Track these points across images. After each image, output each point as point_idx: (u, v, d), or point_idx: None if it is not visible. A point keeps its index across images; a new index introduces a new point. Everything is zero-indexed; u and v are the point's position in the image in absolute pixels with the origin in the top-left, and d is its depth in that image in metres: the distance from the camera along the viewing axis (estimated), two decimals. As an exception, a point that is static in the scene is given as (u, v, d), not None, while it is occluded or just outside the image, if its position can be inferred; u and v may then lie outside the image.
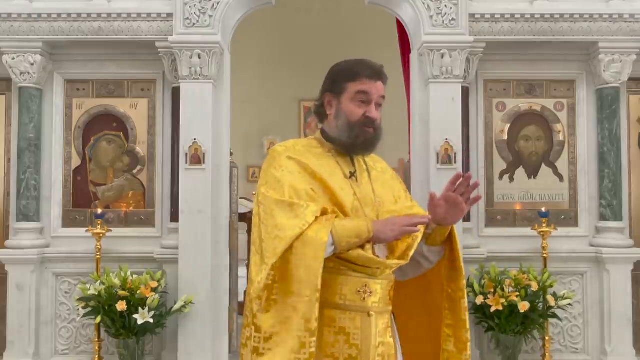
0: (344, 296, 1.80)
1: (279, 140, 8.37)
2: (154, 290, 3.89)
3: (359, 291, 1.80)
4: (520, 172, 4.40)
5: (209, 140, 4.09)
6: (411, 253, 1.81)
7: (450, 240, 1.94)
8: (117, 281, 3.89)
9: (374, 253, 1.81)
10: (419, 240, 1.83)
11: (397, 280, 1.94)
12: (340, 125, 1.89)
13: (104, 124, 4.38)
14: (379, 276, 1.82)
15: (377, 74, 1.89)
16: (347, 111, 1.87)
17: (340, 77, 1.90)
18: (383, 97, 1.91)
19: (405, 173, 4.78)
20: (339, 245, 1.74)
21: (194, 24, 4.09)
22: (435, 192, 1.86)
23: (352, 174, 1.91)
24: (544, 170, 4.40)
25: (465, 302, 1.92)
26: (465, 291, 1.95)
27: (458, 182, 1.82)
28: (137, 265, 4.13)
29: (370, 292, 1.81)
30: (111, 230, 4.13)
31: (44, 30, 4.14)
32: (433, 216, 1.84)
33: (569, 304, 4.07)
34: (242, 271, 5.17)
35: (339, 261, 1.79)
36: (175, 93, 4.22)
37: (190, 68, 4.06)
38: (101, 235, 4.05)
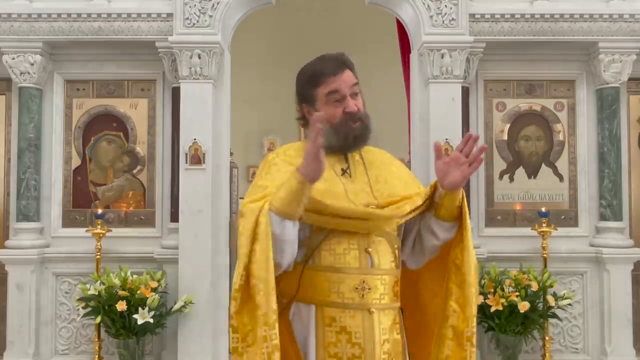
0: (342, 294, 1.76)
1: (279, 140, 8.37)
2: (154, 290, 3.89)
3: (357, 288, 1.76)
4: (520, 172, 4.40)
5: (209, 140, 4.09)
6: (406, 208, 1.78)
7: (461, 217, 1.87)
8: (117, 281, 3.89)
9: (372, 262, 1.78)
10: (417, 202, 1.82)
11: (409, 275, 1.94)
12: (325, 131, 1.81)
13: (104, 124, 4.38)
14: (376, 270, 1.77)
15: (338, 66, 1.83)
16: (326, 116, 1.80)
17: (307, 86, 1.87)
18: (356, 83, 1.85)
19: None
20: (283, 211, 1.64)
21: (194, 24, 4.09)
22: (440, 143, 1.84)
23: (344, 171, 1.87)
24: (544, 170, 4.40)
25: (472, 278, 1.84)
26: (474, 271, 1.86)
27: (466, 143, 1.78)
28: (137, 265, 4.13)
29: (369, 288, 1.76)
30: (111, 230, 4.13)
31: (44, 30, 4.14)
32: (436, 170, 1.81)
33: (569, 304, 4.07)
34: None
35: (335, 258, 1.76)
36: (175, 93, 4.22)
37: (190, 68, 4.06)
38: (101, 235, 4.05)
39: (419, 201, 1.84)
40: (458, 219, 1.87)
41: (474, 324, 1.83)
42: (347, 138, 1.84)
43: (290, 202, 1.64)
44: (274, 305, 1.62)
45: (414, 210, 1.83)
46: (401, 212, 1.78)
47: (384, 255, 1.81)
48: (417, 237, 1.94)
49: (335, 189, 1.80)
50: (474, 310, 1.83)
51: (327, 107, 1.83)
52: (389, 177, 1.93)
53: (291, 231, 1.68)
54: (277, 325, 1.62)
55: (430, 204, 1.89)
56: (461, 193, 1.85)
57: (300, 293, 1.80)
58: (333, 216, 1.74)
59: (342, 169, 1.87)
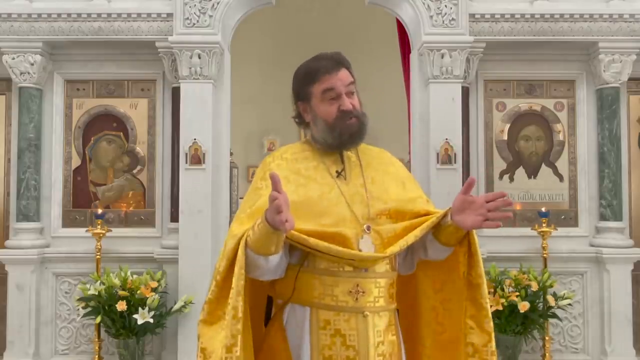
0: (336, 297, 1.76)
1: (279, 140, 8.36)
2: (154, 290, 3.89)
3: (350, 291, 1.76)
4: (520, 172, 4.40)
5: (209, 140, 4.09)
6: (395, 249, 1.76)
7: (465, 240, 1.87)
8: (117, 281, 3.90)
9: (357, 248, 1.75)
10: (410, 240, 1.77)
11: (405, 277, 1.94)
12: (321, 128, 1.85)
13: (104, 124, 4.38)
14: (370, 274, 1.78)
15: (334, 65, 1.83)
16: (321, 114, 1.83)
17: (302, 83, 1.87)
18: (352, 82, 1.84)
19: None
20: (257, 251, 1.65)
21: (194, 24, 4.09)
22: (474, 179, 1.81)
23: (339, 173, 1.86)
24: (544, 170, 4.40)
25: (485, 289, 1.87)
26: (484, 278, 1.89)
27: (495, 199, 1.76)
28: (137, 265, 4.13)
29: (363, 292, 1.76)
30: (111, 230, 4.13)
31: (44, 30, 4.14)
32: (455, 200, 1.79)
33: (569, 304, 4.07)
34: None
35: (329, 263, 1.76)
36: (175, 93, 4.22)
37: (190, 68, 4.06)
38: (101, 235, 4.05)
39: (417, 232, 1.79)
40: (456, 245, 1.86)
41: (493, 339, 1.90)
42: (342, 135, 1.82)
43: (263, 245, 1.63)
44: (235, 330, 1.64)
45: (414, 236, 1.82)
46: (390, 253, 1.76)
47: (380, 261, 1.80)
48: (410, 247, 1.89)
49: (330, 193, 1.80)
50: (491, 324, 1.90)
51: (323, 104, 1.83)
52: (385, 178, 1.91)
53: (270, 263, 1.69)
54: (235, 350, 1.63)
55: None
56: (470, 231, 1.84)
57: (295, 295, 1.80)
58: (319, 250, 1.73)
59: (337, 171, 1.86)
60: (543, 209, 4.16)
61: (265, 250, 1.64)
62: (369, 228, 1.78)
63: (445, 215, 1.82)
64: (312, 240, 1.70)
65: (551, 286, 4.00)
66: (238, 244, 1.67)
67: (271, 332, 1.84)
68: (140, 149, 4.38)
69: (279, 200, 1.51)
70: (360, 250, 1.75)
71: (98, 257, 4.07)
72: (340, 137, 1.83)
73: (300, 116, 1.92)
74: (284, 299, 1.83)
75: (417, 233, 1.79)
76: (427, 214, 1.86)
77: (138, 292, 3.84)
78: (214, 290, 1.74)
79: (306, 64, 1.89)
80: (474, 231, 1.85)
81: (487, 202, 1.74)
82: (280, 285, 1.83)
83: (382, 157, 1.99)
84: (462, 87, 4.18)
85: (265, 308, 1.93)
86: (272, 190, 1.54)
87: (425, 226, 1.80)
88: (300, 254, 1.79)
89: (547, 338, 4.10)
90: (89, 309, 3.93)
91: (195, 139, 4.07)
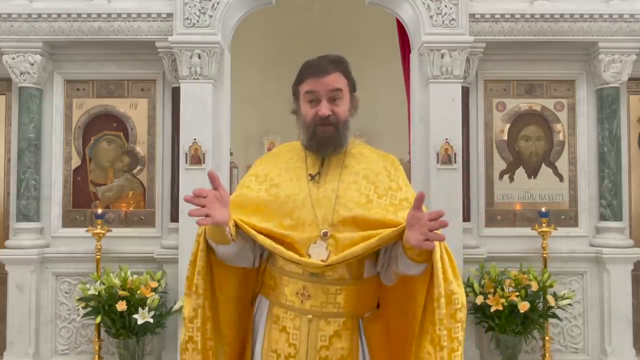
0: (286, 296, 1.84)
1: (279, 140, 8.36)
2: (154, 290, 3.89)
3: (297, 293, 1.82)
4: (520, 172, 4.40)
5: (209, 140, 4.09)
6: (337, 259, 1.73)
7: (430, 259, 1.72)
8: (117, 281, 3.89)
9: (307, 253, 1.77)
10: (357, 252, 1.72)
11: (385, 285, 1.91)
12: (301, 127, 1.90)
13: (104, 124, 4.39)
14: (319, 279, 1.79)
15: (323, 69, 1.83)
16: (303, 113, 1.88)
17: (295, 81, 1.91)
18: (338, 89, 1.84)
19: (405, 173, 4.78)
20: (212, 240, 1.82)
21: (194, 24, 4.09)
22: (424, 194, 1.68)
23: (313, 177, 1.88)
24: (544, 170, 4.40)
25: (440, 317, 1.69)
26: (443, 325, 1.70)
27: (436, 216, 1.62)
28: (137, 265, 4.13)
29: (309, 296, 1.81)
30: (111, 230, 4.13)
31: (44, 30, 4.14)
32: (407, 217, 1.68)
33: (569, 304, 4.06)
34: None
35: (284, 262, 1.83)
36: (175, 93, 4.22)
37: (190, 68, 4.06)
38: (101, 235, 4.05)
39: (368, 244, 1.73)
40: (426, 262, 1.74)
41: None
42: (312, 139, 1.86)
43: (213, 236, 1.79)
44: (196, 304, 1.85)
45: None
46: (329, 262, 1.74)
47: (332, 268, 1.78)
48: (389, 258, 1.88)
49: (297, 195, 1.85)
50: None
51: (305, 105, 1.88)
52: (365, 185, 1.86)
53: (228, 250, 1.83)
54: (195, 321, 1.84)
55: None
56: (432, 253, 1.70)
57: (262, 288, 1.94)
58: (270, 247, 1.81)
59: (310, 175, 1.89)
60: (543, 209, 4.16)
61: (218, 239, 1.78)
62: (325, 234, 1.79)
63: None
64: (260, 237, 1.80)
65: (551, 286, 4.00)
66: (204, 231, 1.84)
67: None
68: (140, 149, 4.38)
69: (204, 200, 1.65)
70: (309, 255, 1.77)
71: (98, 257, 4.07)
72: (311, 140, 1.87)
73: (296, 111, 1.95)
74: (257, 289, 1.97)
75: (367, 245, 1.73)
76: (395, 224, 1.76)
77: (138, 292, 3.84)
78: (189, 269, 1.87)
79: (306, 61, 1.91)
80: (439, 249, 1.70)
81: (430, 220, 1.62)
82: (257, 276, 1.97)
83: (374, 166, 1.93)
84: (462, 87, 4.18)
85: None
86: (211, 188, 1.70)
87: (378, 238, 1.73)
88: (268, 252, 1.88)
89: (547, 338, 4.10)
90: (89, 309, 3.92)
91: (195, 139, 4.07)
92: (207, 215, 1.64)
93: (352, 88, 1.90)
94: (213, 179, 1.70)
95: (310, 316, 1.81)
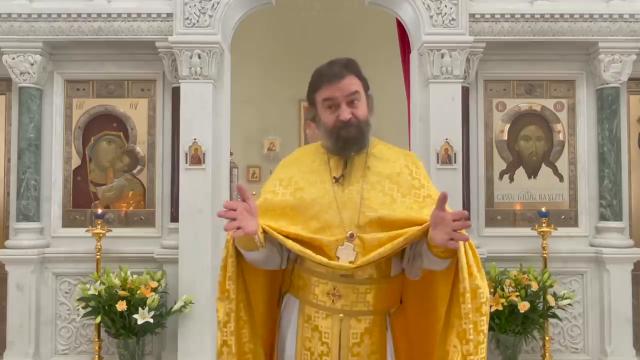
0: (316, 296, 1.89)
1: (279, 140, 8.36)
2: (154, 290, 3.89)
3: (328, 293, 1.87)
4: (520, 172, 4.40)
5: (209, 140, 4.09)
6: (365, 261, 1.77)
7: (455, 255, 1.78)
8: (117, 281, 3.89)
9: (335, 255, 1.81)
10: (385, 252, 1.77)
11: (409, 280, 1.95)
12: (323, 133, 1.93)
13: (104, 124, 4.38)
14: (349, 279, 1.84)
15: (338, 74, 1.86)
16: (323, 119, 1.91)
17: (310, 89, 1.95)
18: (355, 92, 1.87)
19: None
20: (242, 247, 1.84)
21: (194, 24, 4.09)
22: (447, 195, 1.72)
23: (337, 179, 1.91)
24: (544, 170, 4.40)
25: (466, 311, 1.73)
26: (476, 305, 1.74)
27: (460, 216, 1.67)
28: (137, 265, 4.13)
29: (340, 295, 1.85)
30: (111, 230, 4.13)
31: (44, 30, 4.14)
32: (431, 216, 1.73)
33: (569, 304, 4.07)
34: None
35: (313, 263, 1.85)
36: (175, 93, 4.22)
37: (190, 68, 4.06)
38: (101, 235, 4.05)
39: (395, 244, 1.77)
40: (450, 257, 1.79)
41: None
42: (338, 142, 1.89)
43: (242, 243, 1.82)
44: (229, 308, 1.86)
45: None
46: (358, 264, 1.79)
47: (361, 268, 1.83)
48: (414, 253, 1.92)
49: (323, 198, 1.88)
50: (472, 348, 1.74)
51: (324, 111, 1.90)
52: (388, 185, 1.91)
53: (257, 256, 1.86)
54: (229, 326, 1.84)
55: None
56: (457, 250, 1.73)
57: (291, 287, 1.98)
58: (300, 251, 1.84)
59: (334, 177, 1.92)
60: (543, 209, 4.16)
61: (246, 246, 1.81)
62: (352, 235, 1.82)
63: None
64: (289, 242, 1.83)
65: (551, 286, 4.00)
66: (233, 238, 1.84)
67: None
68: (140, 149, 4.38)
69: (235, 213, 1.68)
70: (337, 258, 1.81)
71: (98, 257, 4.06)
72: (336, 143, 1.89)
73: (314, 119, 1.99)
74: (285, 288, 2.01)
75: (394, 245, 1.77)
76: (420, 222, 1.80)
77: (138, 292, 3.84)
78: (220, 274, 1.89)
79: (317, 69, 1.95)
80: (465, 246, 1.75)
81: (454, 220, 1.66)
82: (285, 276, 2.01)
83: (395, 165, 1.97)
84: (462, 87, 4.18)
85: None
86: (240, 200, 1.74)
87: (404, 238, 1.78)
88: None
89: (547, 338, 4.10)
90: (89, 309, 3.92)
91: (195, 139, 4.07)
92: (238, 228, 1.67)
93: (366, 87, 1.94)
94: (242, 191, 1.74)
95: (341, 315, 1.86)
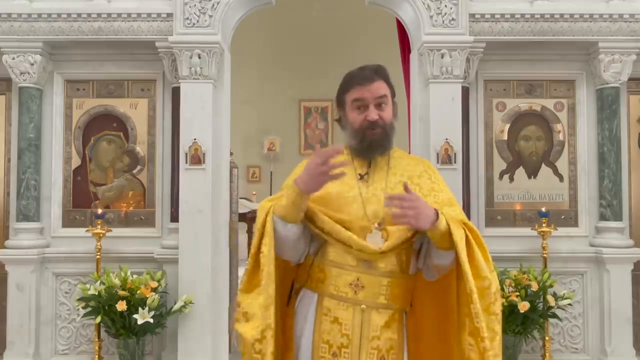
0: (338, 287, 1.91)
1: (279, 140, 8.37)
2: (154, 290, 3.89)
3: (350, 284, 1.89)
4: (520, 172, 4.40)
5: (209, 140, 4.10)
6: (391, 244, 1.85)
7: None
8: (117, 281, 3.89)
9: (370, 263, 1.88)
10: (407, 234, 1.87)
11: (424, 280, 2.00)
12: (349, 133, 2.00)
13: (104, 124, 4.38)
14: (373, 270, 1.88)
15: (367, 78, 1.95)
16: (350, 120, 1.98)
17: (340, 90, 2.03)
18: (384, 95, 1.97)
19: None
20: (284, 217, 1.86)
21: (194, 24, 4.09)
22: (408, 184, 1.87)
23: (362, 176, 1.99)
24: (544, 170, 4.40)
25: (474, 305, 1.82)
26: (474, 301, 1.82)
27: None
28: (137, 265, 4.13)
29: (363, 287, 1.89)
30: (111, 230, 4.13)
31: (44, 30, 4.14)
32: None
33: (569, 304, 4.07)
34: (242, 271, 5.17)
35: (336, 255, 1.90)
36: (175, 93, 4.22)
37: (190, 68, 4.06)
38: (101, 235, 4.05)
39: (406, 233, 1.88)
40: (450, 249, 1.87)
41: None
42: (364, 142, 1.96)
43: (290, 210, 1.84)
44: (271, 291, 1.83)
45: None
46: (385, 248, 1.86)
47: (384, 259, 1.90)
48: (426, 252, 2.00)
49: (348, 193, 1.95)
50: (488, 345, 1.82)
51: (352, 112, 1.98)
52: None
53: (293, 232, 1.88)
54: (272, 308, 1.82)
55: None
56: (442, 229, 1.82)
57: (308, 281, 1.99)
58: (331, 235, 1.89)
59: (359, 174, 1.99)
60: (543, 209, 4.16)
61: (291, 215, 1.84)
62: (379, 225, 1.89)
63: None
64: (324, 218, 1.88)
65: (551, 286, 4.00)
66: (266, 216, 1.88)
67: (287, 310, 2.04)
68: (140, 149, 4.38)
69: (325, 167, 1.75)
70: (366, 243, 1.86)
71: (98, 257, 4.06)
72: (361, 143, 1.97)
73: (340, 120, 2.07)
74: (300, 284, 2.03)
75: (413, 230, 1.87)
76: None
77: (138, 292, 3.84)
78: (249, 262, 1.91)
79: (348, 73, 2.03)
80: (463, 242, 1.83)
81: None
82: (300, 271, 2.03)
83: (415, 168, 2.07)
84: (462, 87, 4.18)
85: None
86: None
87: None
88: (317, 246, 1.96)
89: (547, 338, 4.10)
90: (89, 309, 3.92)
91: (195, 139, 4.07)
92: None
93: (393, 94, 2.04)
94: (322, 152, 1.78)
95: (363, 306, 1.89)
